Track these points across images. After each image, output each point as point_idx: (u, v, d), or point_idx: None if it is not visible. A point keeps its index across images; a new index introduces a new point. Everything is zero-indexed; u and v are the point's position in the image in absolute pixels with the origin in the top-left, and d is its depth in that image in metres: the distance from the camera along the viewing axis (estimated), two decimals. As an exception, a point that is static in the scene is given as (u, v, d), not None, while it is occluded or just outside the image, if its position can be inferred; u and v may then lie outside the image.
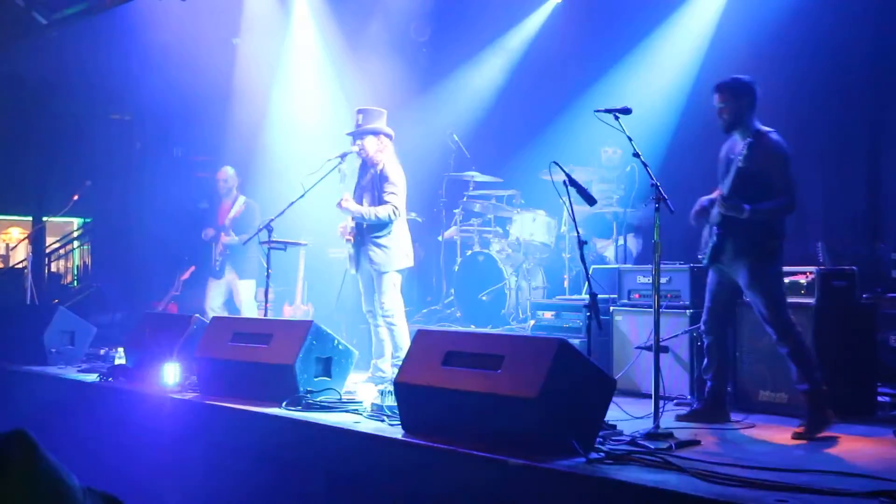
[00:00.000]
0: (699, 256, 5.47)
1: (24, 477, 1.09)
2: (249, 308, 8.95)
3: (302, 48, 11.48)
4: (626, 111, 5.19)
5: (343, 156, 6.92)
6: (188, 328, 6.63)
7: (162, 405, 6.05)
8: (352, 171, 7.11)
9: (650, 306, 5.09)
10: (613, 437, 4.44)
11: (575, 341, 5.38)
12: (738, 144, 5.20)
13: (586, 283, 5.23)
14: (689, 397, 6.00)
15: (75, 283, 16.41)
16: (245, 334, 6.10)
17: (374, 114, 6.96)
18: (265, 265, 7.28)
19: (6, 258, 18.95)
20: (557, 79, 10.14)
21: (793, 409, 5.52)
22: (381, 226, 6.80)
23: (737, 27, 8.46)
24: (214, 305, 8.94)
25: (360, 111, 6.98)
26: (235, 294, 9.06)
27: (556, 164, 5.41)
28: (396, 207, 6.79)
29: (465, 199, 9.17)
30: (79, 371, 7.43)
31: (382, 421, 4.98)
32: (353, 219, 6.90)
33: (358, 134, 6.91)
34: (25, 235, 11.54)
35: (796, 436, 4.80)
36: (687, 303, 6.31)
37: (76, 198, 9.54)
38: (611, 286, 7.09)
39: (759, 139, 5.06)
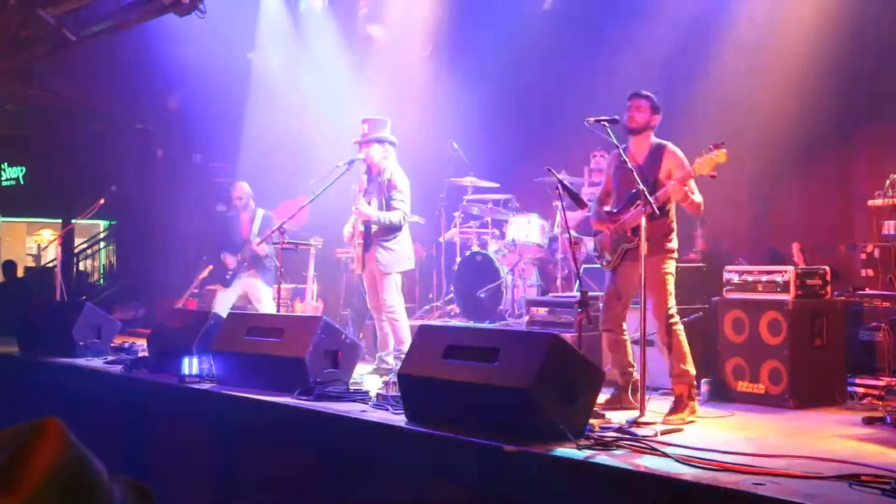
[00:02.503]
0: (602, 263, 5.50)
1: (52, 463, 1.09)
2: (269, 309, 8.81)
3: (311, 61, 11.47)
4: (615, 121, 5.21)
5: (350, 163, 6.90)
6: (206, 323, 6.61)
7: (181, 395, 6.05)
8: (358, 178, 7.09)
9: (637, 303, 5.09)
10: (602, 425, 4.44)
11: (566, 336, 5.37)
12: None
13: (577, 281, 5.23)
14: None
15: (101, 281, 16.45)
16: (259, 329, 6.10)
17: (378, 123, 6.95)
18: (278, 265, 7.26)
19: (38, 258, 18.99)
20: (549, 88, 10.13)
21: (769, 399, 5.54)
22: (390, 230, 6.78)
23: (718, 43, 8.45)
24: (219, 310, 8.78)
25: (365, 121, 6.96)
26: (255, 299, 8.95)
27: (550, 169, 5.41)
28: (405, 213, 6.80)
29: (464, 202, 9.16)
30: (105, 363, 7.42)
31: (387, 410, 4.97)
32: (361, 222, 6.87)
33: (363, 142, 6.89)
34: (56, 237, 11.53)
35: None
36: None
37: (102, 202, 9.53)
38: (600, 284, 7.07)
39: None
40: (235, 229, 9.04)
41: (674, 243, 5.29)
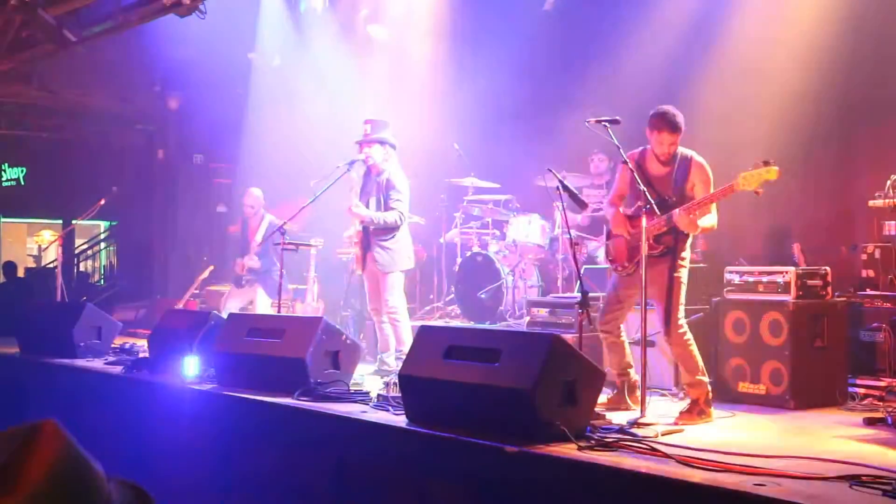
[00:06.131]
0: (616, 269, 5.41)
1: (50, 464, 1.09)
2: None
3: (311, 61, 11.48)
4: (615, 121, 5.19)
5: (351, 163, 6.90)
6: (206, 324, 6.61)
7: (182, 396, 6.06)
8: (357, 178, 7.09)
9: (638, 303, 5.09)
10: (603, 426, 4.44)
11: (567, 336, 5.36)
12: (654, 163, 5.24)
13: (578, 281, 5.23)
14: (673, 388, 5.99)
15: (102, 282, 16.44)
16: (260, 329, 6.10)
17: (380, 124, 6.95)
18: (279, 266, 7.26)
19: (38, 259, 19.00)
20: (550, 89, 10.13)
21: (770, 400, 5.54)
22: (388, 230, 6.79)
23: (718, 42, 8.45)
24: (226, 308, 8.80)
25: (367, 121, 6.97)
26: (252, 302, 9.01)
27: (551, 170, 5.41)
28: (402, 213, 6.80)
29: (464, 203, 9.17)
30: (105, 363, 7.42)
31: (388, 410, 4.97)
32: (360, 223, 6.88)
33: (365, 143, 6.89)
34: (56, 237, 11.54)
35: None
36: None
37: (103, 202, 9.54)
38: (601, 285, 7.08)
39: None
40: (246, 232, 9.13)
41: (687, 251, 5.23)
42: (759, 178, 4.78)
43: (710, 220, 5.08)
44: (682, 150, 5.21)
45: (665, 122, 5.09)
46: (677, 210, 4.99)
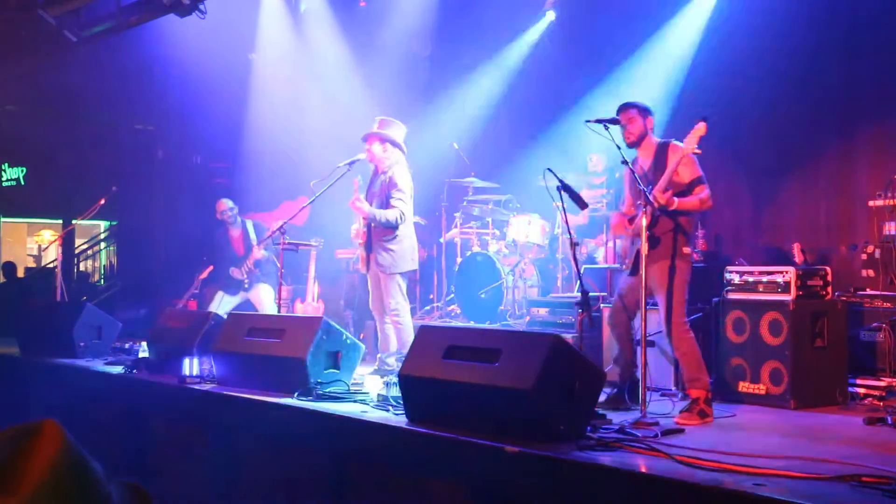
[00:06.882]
0: (622, 266, 5.50)
1: (51, 464, 1.09)
2: (270, 311, 8.86)
3: (313, 62, 11.48)
4: (615, 122, 5.22)
5: (351, 163, 6.87)
6: (206, 324, 6.61)
7: (182, 396, 6.05)
8: (364, 178, 7.06)
9: (649, 304, 5.09)
10: (603, 426, 4.44)
11: (567, 336, 5.37)
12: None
13: (578, 281, 5.23)
14: (673, 388, 5.99)
15: (102, 282, 16.42)
16: (260, 329, 6.10)
17: (387, 122, 6.88)
18: (278, 265, 7.26)
19: (38, 258, 18.99)
20: (550, 90, 10.14)
21: (770, 400, 5.54)
22: (389, 230, 6.75)
23: (719, 45, 8.45)
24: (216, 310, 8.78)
25: (378, 118, 6.94)
26: (257, 300, 9.01)
27: (550, 170, 5.41)
28: (402, 213, 6.73)
29: (464, 203, 9.18)
30: (105, 363, 7.41)
31: (388, 410, 4.97)
32: (364, 221, 6.85)
33: (366, 137, 6.85)
34: (56, 237, 11.53)
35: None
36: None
37: (103, 202, 9.53)
38: (601, 285, 7.08)
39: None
40: (228, 245, 9.12)
41: (689, 247, 5.22)
42: (696, 136, 4.98)
43: (690, 200, 5.14)
44: (660, 140, 5.35)
45: (620, 106, 5.38)
46: (653, 192, 5.06)
